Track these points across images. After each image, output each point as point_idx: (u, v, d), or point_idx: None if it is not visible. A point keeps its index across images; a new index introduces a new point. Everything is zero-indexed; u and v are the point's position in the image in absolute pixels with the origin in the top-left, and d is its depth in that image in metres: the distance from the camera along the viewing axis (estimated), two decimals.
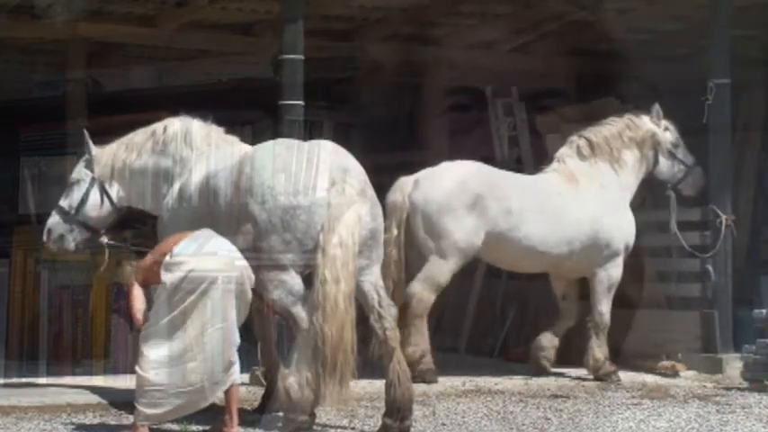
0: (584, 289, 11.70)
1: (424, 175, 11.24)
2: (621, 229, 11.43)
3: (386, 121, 14.80)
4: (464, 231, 11.01)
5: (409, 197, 11.07)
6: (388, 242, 10.70)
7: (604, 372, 11.24)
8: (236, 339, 8.27)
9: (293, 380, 8.23)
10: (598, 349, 11.30)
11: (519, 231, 11.12)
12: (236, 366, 8.28)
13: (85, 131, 9.62)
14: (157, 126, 9.39)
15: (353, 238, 8.23)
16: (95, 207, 9.49)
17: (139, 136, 9.42)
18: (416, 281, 11.00)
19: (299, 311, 8.29)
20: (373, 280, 8.54)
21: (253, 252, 8.41)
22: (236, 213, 8.49)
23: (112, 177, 9.44)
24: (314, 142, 8.81)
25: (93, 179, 9.45)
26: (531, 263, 11.45)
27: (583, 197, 11.42)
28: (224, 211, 8.60)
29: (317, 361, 8.16)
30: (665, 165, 11.77)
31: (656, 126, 11.77)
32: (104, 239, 9.67)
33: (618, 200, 11.55)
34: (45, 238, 9.65)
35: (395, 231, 11.01)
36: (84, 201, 9.46)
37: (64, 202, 9.57)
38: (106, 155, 9.49)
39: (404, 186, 11.12)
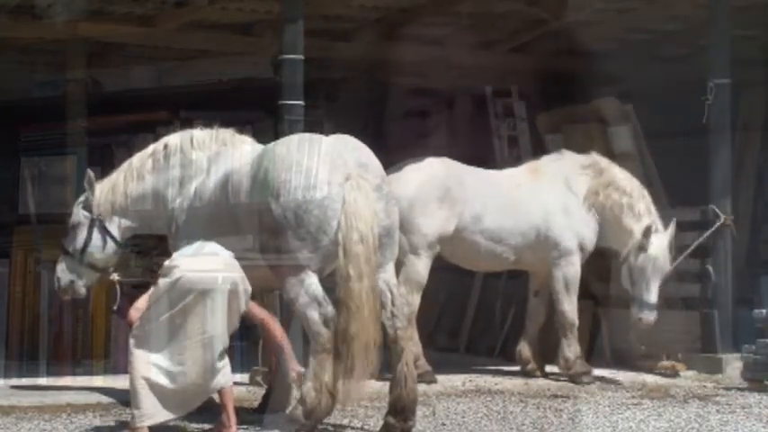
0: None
1: (393, 173, 11.13)
2: (572, 229, 11.37)
3: (383, 120, 14.82)
4: (435, 225, 11.07)
5: None
6: None
7: (575, 372, 11.24)
8: (225, 344, 8.21)
9: (310, 386, 8.19)
10: (567, 349, 11.31)
11: (481, 224, 11.21)
12: (227, 369, 8.22)
13: (90, 172, 9.55)
14: (156, 145, 9.38)
15: (373, 233, 8.21)
16: (99, 248, 9.47)
17: (137, 160, 9.38)
18: (398, 285, 10.96)
19: (313, 314, 8.24)
20: (387, 278, 8.52)
21: (270, 250, 8.40)
22: (256, 210, 8.47)
23: (113, 213, 9.41)
24: (335, 137, 8.74)
25: (92, 220, 9.42)
26: (488, 257, 11.42)
27: (540, 191, 11.44)
28: (244, 208, 8.56)
29: (342, 360, 8.12)
30: (626, 269, 11.29)
31: (645, 236, 11.11)
32: (115, 276, 9.63)
33: (576, 203, 11.47)
34: (56, 286, 9.68)
35: None
36: (86, 244, 9.44)
37: (68, 247, 9.55)
38: (104, 192, 9.44)
39: None
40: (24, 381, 10.79)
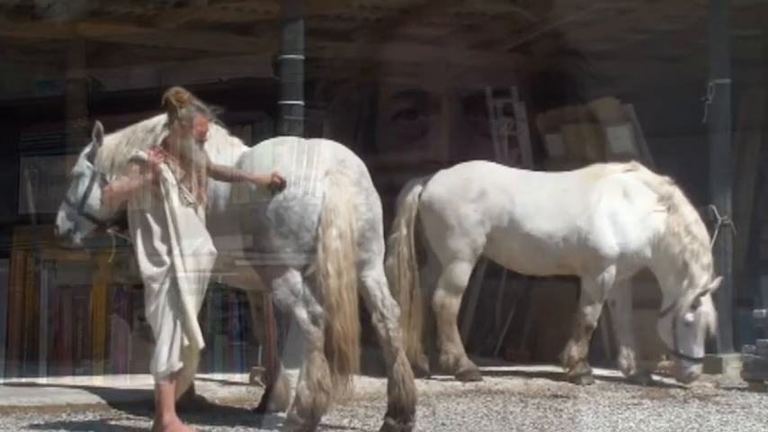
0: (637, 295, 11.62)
1: (433, 175, 11.50)
2: (616, 237, 11.18)
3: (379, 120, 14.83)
4: (468, 229, 11.17)
5: (419, 197, 11.35)
6: (399, 241, 11.19)
7: (575, 373, 11.15)
8: (159, 334, 8.10)
9: (304, 384, 8.18)
10: (575, 348, 11.19)
11: (521, 228, 11.20)
12: (158, 361, 8.06)
13: (99, 124, 9.50)
14: (157, 122, 9.33)
15: (351, 228, 8.22)
16: (98, 200, 9.43)
17: (140, 131, 9.35)
18: (438, 288, 11.23)
19: (301, 313, 8.24)
20: (376, 276, 8.51)
21: (255, 251, 8.40)
22: (238, 213, 8.49)
23: (113, 170, 9.37)
24: (313, 140, 8.83)
25: (94, 173, 9.39)
26: (532, 261, 11.44)
27: (590, 195, 11.28)
28: (225, 211, 8.57)
29: (330, 357, 8.13)
30: (669, 321, 11.08)
31: (703, 294, 10.95)
32: (111, 231, 9.61)
33: (627, 213, 11.30)
34: (55, 233, 9.64)
35: (404, 230, 11.31)
36: (87, 194, 9.41)
37: (70, 196, 9.53)
38: (107, 147, 9.43)
39: (414, 187, 11.46)
40: (24, 381, 10.79)
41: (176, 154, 8.25)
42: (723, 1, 11.95)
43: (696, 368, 11.04)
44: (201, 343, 8.16)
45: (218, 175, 8.46)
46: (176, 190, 8.16)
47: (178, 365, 8.05)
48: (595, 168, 11.63)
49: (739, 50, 12.14)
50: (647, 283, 11.50)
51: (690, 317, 10.96)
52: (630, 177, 11.44)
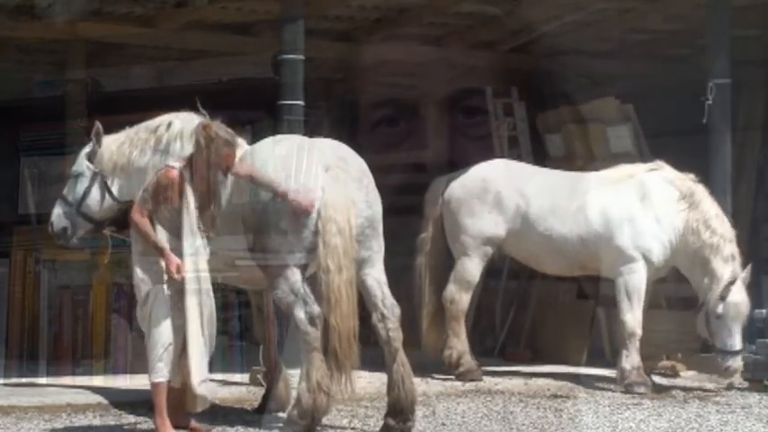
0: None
1: (455, 174, 11.61)
2: (635, 238, 10.99)
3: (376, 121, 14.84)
4: (483, 228, 11.28)
5: (441, 196, 11.50)
6: (425, 241, 11.47)
7: (630, 381, 10.73)
8: (147, 339, 8.22)
9: (304, 386, 8.19)
10: (625, 359, 10.79)
11: (536, 229, 11.20)
12: (153, 366, 8.17)
13: (99, 125, 9.46)
14: (161, 123, 9.33)
15: (350, 224, 8.23)
16: (96, 202, 9.39)
17: (142, 132, 9.33)
18: (449, 283, 11.33)
19: (299, 313, 8.24)
20: (376, 275, 8.50)
21: (255, 249, 8.40)
22: (239, 212, 8.49)
23: (114, 172, 9.34)
24: (314, 138, 8.83)
25: (94, 174, 9.35)
26: (551, 261, 11.42)
27: (609, 197, 11.17)
28: (226, 210, 8.57)
29: (325, 354, 8.14)
30: (703, 316, 10.86)
31: (728, 285, 10.76)
32: (107, 231, 9.59)
33: (645, 215, 11.12)
34: (50, 230, 9.60)
35: (430, 230, 11.50)
36: (85, 195, 9.37)
37: (68, 195, 9.48)
38: (109, 149, 9.40)
39: (438, 186, 11.62)
40: (24, 381, 10.80)
41: (201, 179, 8.23)
42: (723, 1, 11.95)
43: (733, 361, 10.78)
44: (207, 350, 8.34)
45: (253, 180, 8.40)
46: (192, 212, 8.15)
47: (168, 375, 8.13)
48: (618, 169, 11.48)
49: (739, 50, 12.13)
50: None
51: (719, 309, 10.78)
52: (654, 177, 11.31)
